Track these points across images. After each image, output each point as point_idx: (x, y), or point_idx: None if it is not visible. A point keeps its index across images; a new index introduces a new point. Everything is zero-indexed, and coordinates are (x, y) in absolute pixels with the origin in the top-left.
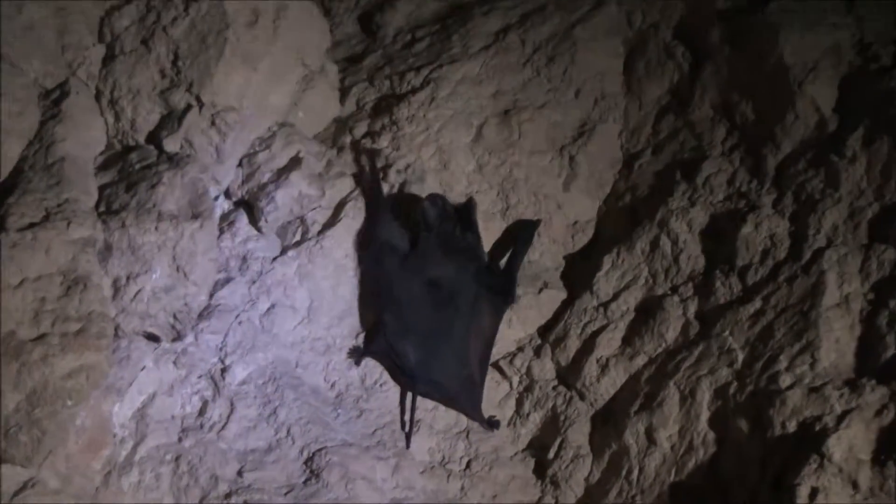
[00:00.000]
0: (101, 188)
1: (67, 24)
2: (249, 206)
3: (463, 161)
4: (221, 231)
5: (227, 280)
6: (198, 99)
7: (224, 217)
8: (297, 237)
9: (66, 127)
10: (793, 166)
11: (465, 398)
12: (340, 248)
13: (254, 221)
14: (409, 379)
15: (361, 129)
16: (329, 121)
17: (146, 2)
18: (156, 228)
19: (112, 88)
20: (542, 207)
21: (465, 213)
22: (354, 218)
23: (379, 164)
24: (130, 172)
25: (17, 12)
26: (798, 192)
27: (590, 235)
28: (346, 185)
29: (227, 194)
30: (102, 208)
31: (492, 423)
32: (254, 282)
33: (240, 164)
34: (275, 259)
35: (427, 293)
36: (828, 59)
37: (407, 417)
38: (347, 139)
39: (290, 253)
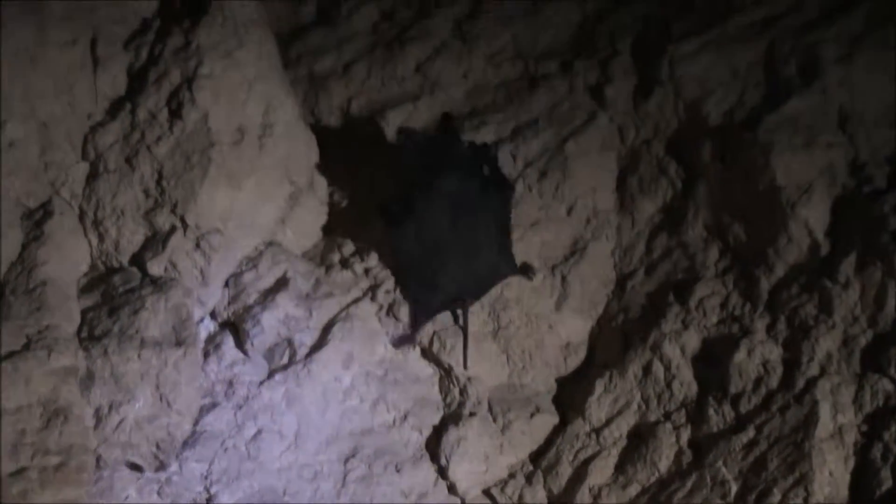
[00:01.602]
0: (84, 312)
1: (50, 142)
2: (235, 327)
3: None
4: (207, 354)
5: (213, 405)
6: (182, 220)
7: (209, 339)
8: (285, 360)
9: (48, 249)
10: (786, 290)
11: (503, 268)
12: (328, 370)
13: (240, 344)
14: (461, 302)
15: (350, 247)
16: (318, 238)
17: (130, 119)
18: (138, 356)
19: (96, 208)
20: (533, 328)
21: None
22: (343, 339)
23: (367, 284)
24: (113, 297)
25: None
26: (791, 318)
27: (582, 357)
28: (334, 305)
29: (213, 315)
30: (84, 334)
31: (526, 270)
32: (240, 407)
33: (226, 285)
34: (261, 383)
35: (440, 215)
36: (821, 179)
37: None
38: (336, 257)
39: (277, 377)
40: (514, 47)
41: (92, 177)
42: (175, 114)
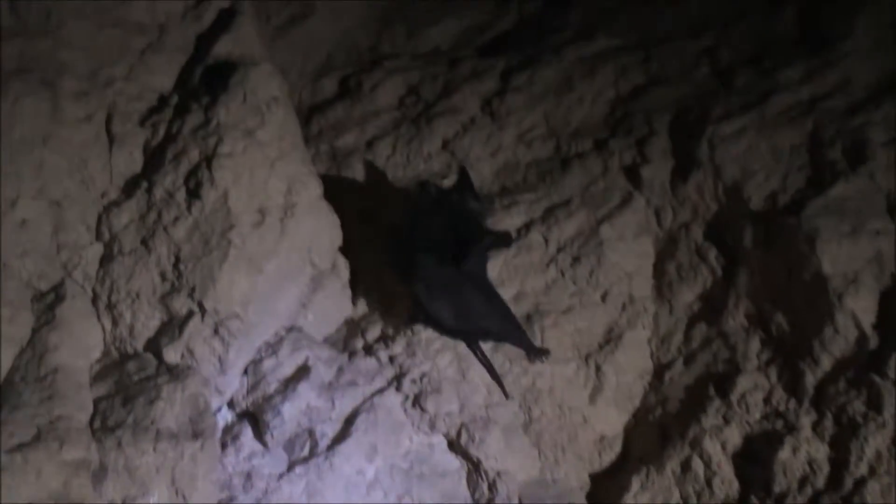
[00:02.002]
0: (97, 401)
1: (63, 222)
2: (254, 417)
3: (483, 370)
4: (224, 445)
5: (231, 500)
6: (200, 305)
7: (227, 430)
8: (305, 452)
9: (60, 334)
10: (833, 385)
11: (512, 332)
12: (351, 463)
13: (259, 435)
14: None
15: (374, 332)
16: (340, 322)
17: (147, 199)
18: (154, 449)
19: (110, 292)
20: (566, 420)
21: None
22: (366, 431)
23: (392, 373)
24: (128, 385)
25: (10, 208)
26: (839, 414)
27: (617, 451)
28: (358, 395)
29: (231, 405)
30: (97, 424)
31: (541, 352)
32: (259, 502)
33: (245, 372)
34: (281, 476)
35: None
36: (869, 269)
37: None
38: (360, 343)
39: (298, 469)
40: (546, 125)
41: (106, 258)
42: (193, 194)
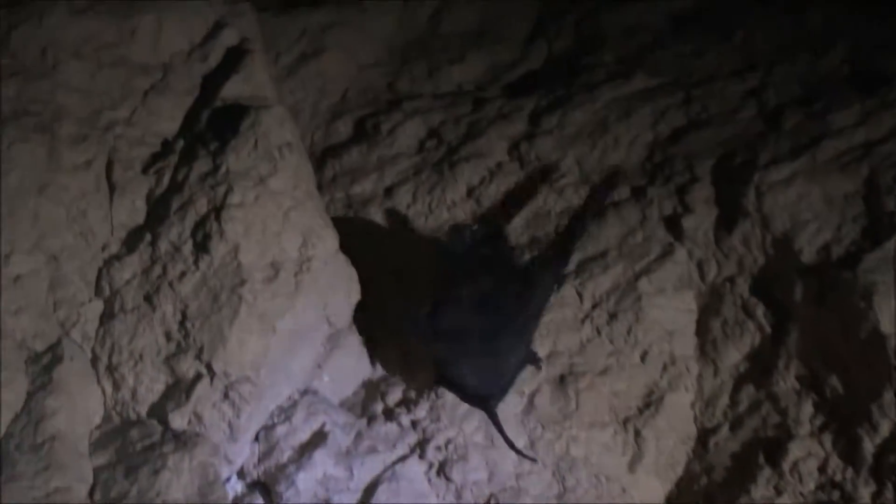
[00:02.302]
0: (97, 471)
1: (60, 276)
2: (266, 488)
3: (512, 435)
4: None
5: None
6: (209, 367)
7: (237, 501)
8: None
9: (58, 399)
10: (893, 453)
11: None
12: None
13: None
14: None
15: (395, 394)
16: (358, 384)
17: (151, 252)
18: None
19: (111, 352)
20: (604, 490)
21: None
22: (388, 502)
23: (415, 439)
24: (131, 454)
25: (3, 262)
26: None
27: None
28: (378, 463)
29: (241, 474)
30: (98, 496)
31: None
32: None
33: (256, 439)
34: None
35: (471, 311)
36: None
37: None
38: (379, 407)
39: None
40: (579, 170)
41: (107, 316)
42: (201, 247)
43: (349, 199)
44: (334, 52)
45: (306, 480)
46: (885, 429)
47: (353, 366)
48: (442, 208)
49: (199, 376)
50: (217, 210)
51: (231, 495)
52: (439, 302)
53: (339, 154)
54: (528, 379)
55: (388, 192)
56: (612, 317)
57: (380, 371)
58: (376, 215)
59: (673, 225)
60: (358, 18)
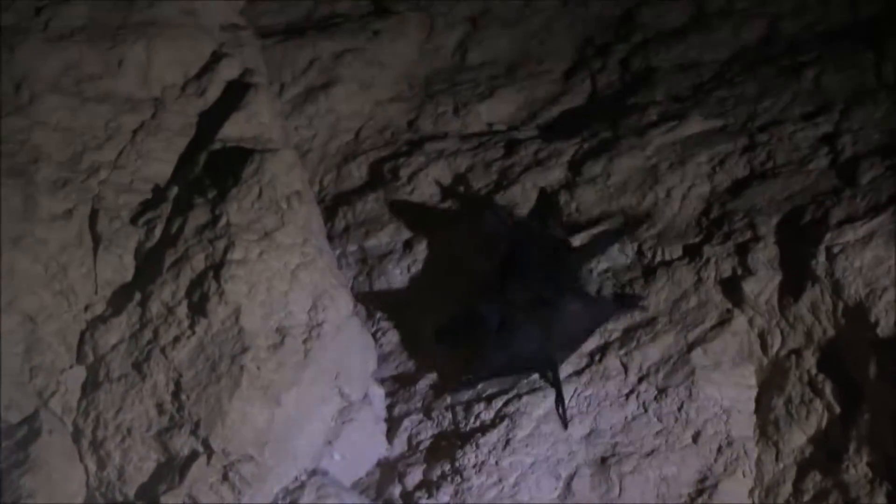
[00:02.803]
0: None
1: (38, 340)
2: None
3: None
4: None
5: None
6: (206, 444)
7: None
8: None
9: (35, 479)
10: None
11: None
12: None
13: None
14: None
15: (415, 476)
16: (373, 464)
17: (140, 314)
18: None
19: (95, 426)
20: None
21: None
22: None
23: None
24: None
25: None
26: None
27: None
28: None
29: None
30: None
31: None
32: None
33: None
34: None
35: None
36: None
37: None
38: (397, 489)
39: None
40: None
41: (90, 385)
42: (198, 309)
43: (364, 252)
44: (347, 84)
45: None
46: None
47: (367, 443)
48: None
49: (194, 454)
50: (216, 267)
51: None
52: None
53: (352, 202)
54: (563, 459)
55: (408, 245)
56: (662, 392)
57: (398, 448)
58: (394, 272)
59: (732, 289)
60: (374, 46)
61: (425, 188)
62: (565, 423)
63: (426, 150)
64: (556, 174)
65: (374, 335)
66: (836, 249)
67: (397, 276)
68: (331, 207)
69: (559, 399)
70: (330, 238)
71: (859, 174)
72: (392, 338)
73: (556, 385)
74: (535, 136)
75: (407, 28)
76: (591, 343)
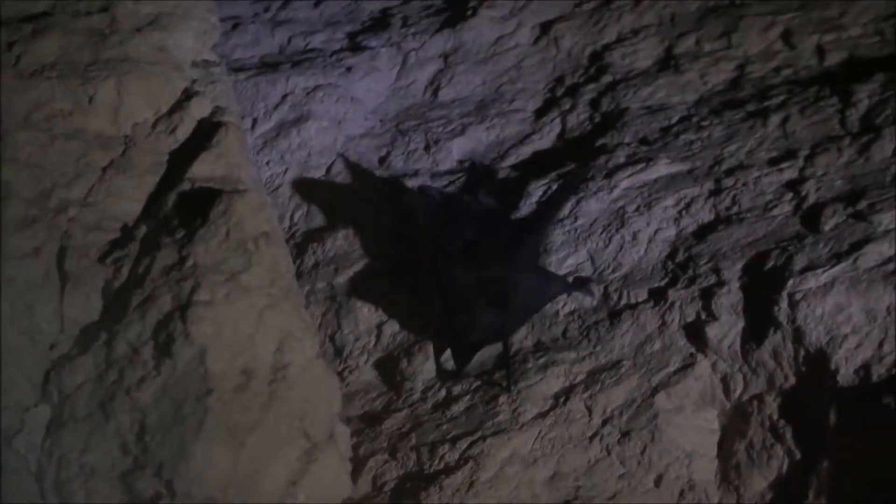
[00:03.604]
0: None
1: (3, 378)
2: None
3: None
4: None
5: None
6: (169, 486)
7: None
8: None
9: None
10: None
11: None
12: None
13: None
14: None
15: None
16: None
17: (106, 354)
18: None
19: (59, 466)
20: None
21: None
22: None
23: None
24: None
25: None
26: None
27: None
28: None
29: None
30: None
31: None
32: None
33: None
34: None
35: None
36: None
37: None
38: None
39: None
40: (592, 267)
41: (55, 425)
42: (163, 350)
43: (333, 289)
44: (319, 120)
45: None
46: None
47: (332, 483)
48: None
49: (158, 496)
50: (182, 308)
51: None
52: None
53: (321, 238)
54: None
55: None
56: (625, 435)
57: (363, 488)
58: (363, 309)
59: (695, 333)
60: (346, 82)
61: None
62: (510, 387)
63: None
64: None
65: (340, 374)
66: (798, 296)
67: (365, 313)
68: (301, 244)
69: (507, 365)
70: (299, 275)
71: (822, 221)
72: (359, 376)
73: (506, 355)
74: (506, 175)
75: (379, 64)
76: (556, 385)
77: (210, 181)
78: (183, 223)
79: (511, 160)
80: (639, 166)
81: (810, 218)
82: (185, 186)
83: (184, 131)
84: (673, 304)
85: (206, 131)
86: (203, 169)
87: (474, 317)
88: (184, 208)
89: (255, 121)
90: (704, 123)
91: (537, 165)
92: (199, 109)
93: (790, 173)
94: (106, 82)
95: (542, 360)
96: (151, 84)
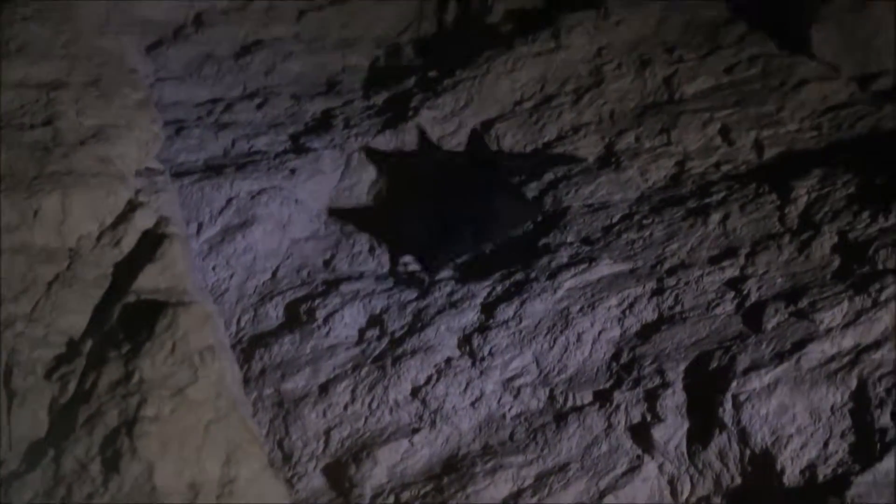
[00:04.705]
0: None
1: None
2: None
3: None
4: None
5: None
6: None
7: None
8: None
9: None
10: None
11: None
12: None
13: None
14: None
15: None
16: None
17: (54, 471)
18: None
19: None
20: None
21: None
22: None
23: None
24: None
25: None
26: None
27: None
28: None
29: None
30: None
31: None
32: None
33: None
34: None
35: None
36: None
37: None
38: None
39: None
40: (537, 369)
41: None
42: (111, 466)
43: (280, 396)
44: (264, 223)
45: None
46: None
47: None
48: (384, 409)
49: None
50: (129, 424)
51: None
52: None
53: (268, 343)
54: None
55: (324, 389)
56: None
57: None
58: (310, 416)
59: (642, 435)
60: (290, 184)
61: (341, 330)
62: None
63: (342, 290)
64: (469, 317)
65: (289, 480)
66: (742, 397)
67: (313, 419)
68: (247, 349)
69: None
70: (246, 381)
71: (764, 320)
72: (308, 483)
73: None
74: (450, 276)
75: (323, 165)
76: (504, 489)
77: (155, 293)
78: (129, 337)
79: (456, 261)
80: (581, 266)
81: (752, 317)
82: (131, 299)
83: (128, 243)
84: (619, 406)
85: (151, 243)
86: (148, 281)
87: (458, 231)
88: (129, 322)
89: (200, 226)
90: (646, 222)
91: (481, 266)
92: (143, 221)
93: (731, 271)
94: (51, 196)
95: (489, 464)
96: (96, 196)
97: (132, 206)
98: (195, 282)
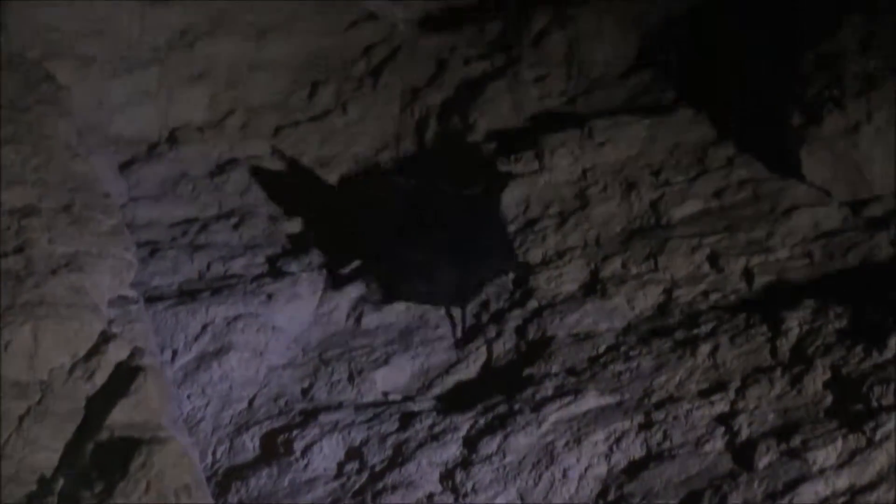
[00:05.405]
0: None
1: None
2: None
3: None
4: None
5: None
6: None
7: None
8: None
9: None
10: None
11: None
12: None
13: None
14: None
15: None
16: None
17: None
18: None
19: None
20: None
21: None
22: None
23: None
24: None
25: None
26: None
27: None
28: None
29: None
30: None
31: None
32: None
33: None
34: None
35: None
36: None
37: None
38: None
39: None
40: None
41: None
42: None
43: None
44: (240, 350)
45: None
46: None
47: None
48: None
49: None
50: None
51: None
52: None
53: (245, 476)
54: None
55: None
56: None
57: None
58: None
59: None
60: (267, 310)
61: (319, 463)
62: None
63: (321, 421)
64: (451, 450)
65: None
66: None
67: None
68: (223, 482)
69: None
70: None
71: (756, 458)
72: None
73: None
74: (431, 408)
75: (300, 289)
76: None
77: (129, 429)
78: (102, 475)
79: (436, 390)
80: (567, 399)
81: (743, 455)
82: (104, 435)
83: (101, 376)
84: None
85: (125, 376)
86: (122, 416)
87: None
88: (103, 459)
89: (175, 352)
90: (633, 353)
91: (463, 398)
92: (116, 353)
93: (721, 406)
94: (22, 328)
95: None
96: (68, 328)
97: (105, 338)
98: (170, 415)
